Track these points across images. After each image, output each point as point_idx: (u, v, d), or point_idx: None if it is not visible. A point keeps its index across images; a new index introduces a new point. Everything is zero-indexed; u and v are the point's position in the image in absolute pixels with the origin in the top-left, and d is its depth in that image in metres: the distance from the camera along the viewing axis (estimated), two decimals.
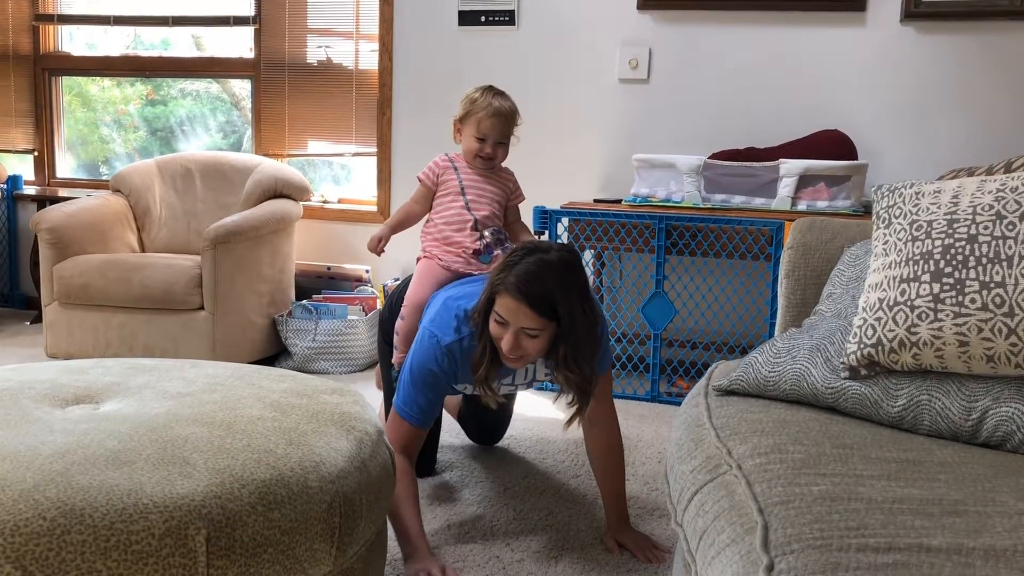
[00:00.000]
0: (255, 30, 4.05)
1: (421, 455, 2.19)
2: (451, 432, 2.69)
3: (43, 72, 4.39)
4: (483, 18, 3.69)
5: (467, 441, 2.69)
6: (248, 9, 4.06)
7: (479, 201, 2.36)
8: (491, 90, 2.38)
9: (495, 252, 2.30)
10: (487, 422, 2.62)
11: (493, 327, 1.82)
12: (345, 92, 3.99)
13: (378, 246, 2.43)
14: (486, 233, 2.32)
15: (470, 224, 2.32)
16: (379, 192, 3.94)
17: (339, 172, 4.25)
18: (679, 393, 3.26)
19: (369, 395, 3.10)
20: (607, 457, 2.09)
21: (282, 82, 4.05)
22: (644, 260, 3.39)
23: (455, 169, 2.39)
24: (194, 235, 3.79)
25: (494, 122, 2.33)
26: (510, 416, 2.67)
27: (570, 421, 1.96)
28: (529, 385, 2.15)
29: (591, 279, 3.28)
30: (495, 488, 2.34)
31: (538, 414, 3.00)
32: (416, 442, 2.00)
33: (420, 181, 2.41)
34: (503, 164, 2.45)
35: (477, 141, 2.34)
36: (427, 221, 2.43)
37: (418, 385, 1.95)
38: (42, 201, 4.25)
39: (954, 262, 1.40)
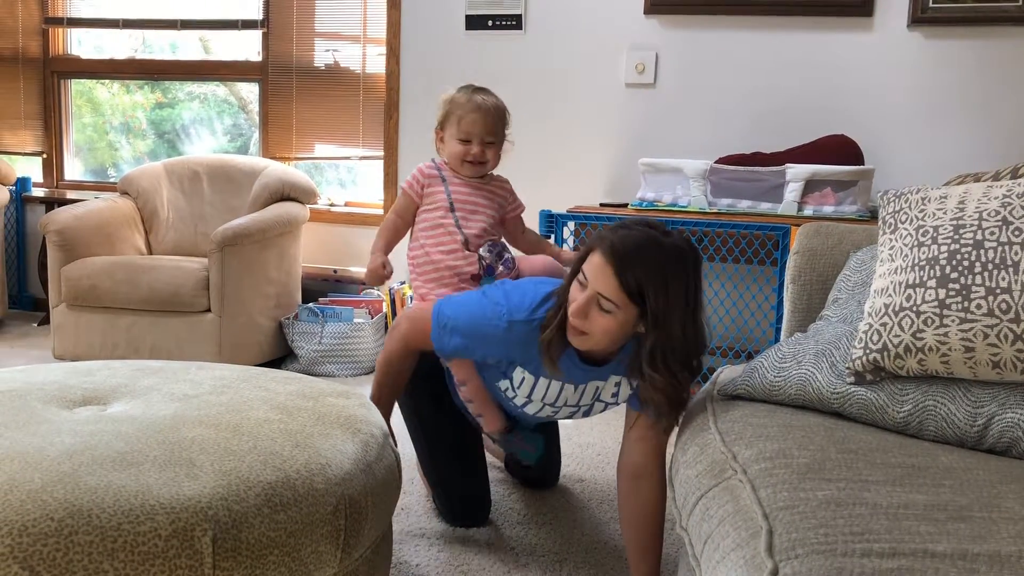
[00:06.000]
0: (263, 33, 4.07)
1: (472, 504, 2.13)
2: None
3: (52, 75, 4.42)
4: (490, 22, 3.70)
5: None
6: (256, 13, 4.07)
7: (471, 218, 2.10)
8: (470, 87, 2.14)
9: (498, 270, 2.08)
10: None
11: (573, 288, 1.61)
12: (352, 96, 4.00)
13: (383, 272, 2.09)
14: (482, 252, 2.08)
15: (461, 243, 2.08)
16: (386, 195, 3.95)
17: (345, 175, 4.26)
18: None
19: None
20: (646, 523, 1.71)
21: (289, 85, 4.07)
22: None
23: (443, 180, 2.12)
24: (201, 237, 3.80)
25: (477, 117, 2.07)
26: (559, 459, 2.42)
27: (665, 432, 1.69)
28: (590, 408, 1.91)
29: None
30: (499, 491, 2.34)
31: None
32: (424, 347, 1.85)
33: (403, 192, 2.15)
34: (495, 172, 2.21)
35: (461, 143, 2.09)
36: (412, 239, 2.16)
37: (463, 327, 1.77)
38: (50, 203, 4.27)
39: (960, 267, 1.40)
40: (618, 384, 1.84)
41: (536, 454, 2.09)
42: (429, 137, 3.78)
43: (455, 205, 2.11)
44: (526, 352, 1.75)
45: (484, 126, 2.08)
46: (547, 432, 2.33)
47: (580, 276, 1.59)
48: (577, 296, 1.59)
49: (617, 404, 1.91)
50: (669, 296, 1.53)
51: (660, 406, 1.63)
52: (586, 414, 1.94)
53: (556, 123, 3.64)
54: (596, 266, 1.55)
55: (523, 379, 1.85)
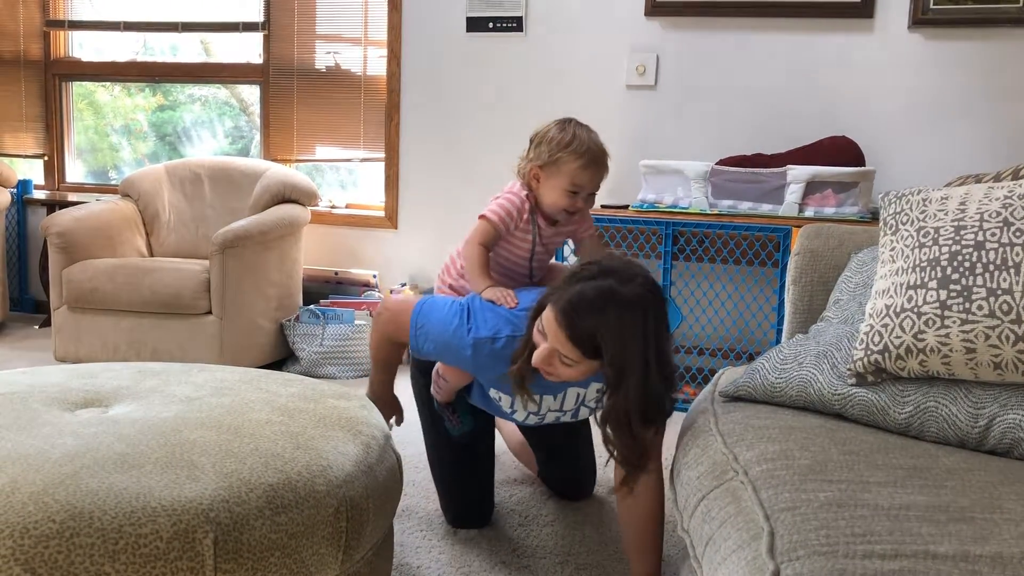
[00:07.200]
0: (264, 36, 4.07)
1: (473, 506, 2.12)
2: None
3: (53, 77, 4.42)
4: (491, 24, 3.70)
5: None
6: (257, 15, 4.08)
7: (543, 262, 2.05)
8: (579, 126, 1.94)
9: None
10: (566, 472, 2.30)
11: (535, 333, 1.60)
12: (353, 98, 4.00)
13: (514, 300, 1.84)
14: None
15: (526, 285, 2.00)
16: (387, 197, 3.95)
17: (346, 177, 4.27)
18: (686, 399, 3.26)
19: None
20: (644, 523, 1.70)
21: (291, 88, 4.07)
22: (651, 266, 3.38)
23: (534, 224, 1.98)
24: (203, 240, 3.80)
25: (593, 172, 1.89)
26: (594, 469, 2.35)
27: (621, 486, 1.66)
28: (576, 413, 1.91)
29: None
30: (501, 493, 2.34)
31: None
32: (402, 341, 1.92)
33: (491, 223, 1.96)
34: None
35: (568, 195, 1.91)
36: (456, 263, 2.07)
37: (434, 335, 1.78)
38: (52, 205, 4.27)
39: (961, 269, 1.40)
40: (600, 390, 1.83)
41: (458, 429, 2.08)
42: (430, 139, 3.83)
43: (536, 254, 2.03)
44: (493, 373, 1.76)
45: (597, 181, 1.94)
46: (578, 440, 2.30)
47: (539, 325, 1.58)
48: (540, 342, 1.58)
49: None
50: (626, 352, 1.48)
51: (618, 462, 1.61)
52: (574, 417, 1.94)
53: None
54: (551, 325, 1.53)
55: (500, 397, 1.88)
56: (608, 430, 1.57)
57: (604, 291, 1.49)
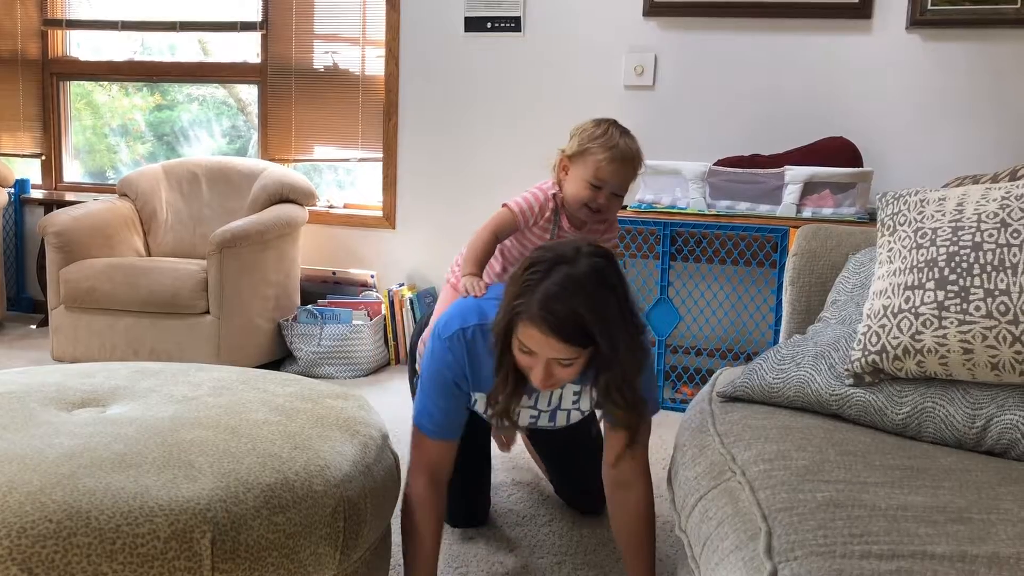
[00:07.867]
0: (262, 35, 4.07)
1: (469, 505, 2.08)
2: None
3: (51, 77, 4.42)
4: (489, 24, 3.70)
5: None
6: (255, 14, 4.07)
7: None
8: (616, 126, 1.97)
9: None
10: (576, 485, 2.24)
11: (519, 355, 1.54)
12: (351, 98, 4.00)
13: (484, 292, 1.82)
14: None
15: None
16: (384, 197, 3.95)
17: (344, 177, 4.26)
18: (683, 400, 3.26)
19: (374, 399, 3.10)
20: (636, 525, 1.70)
21: (288, 87, 4.07)
22: (649, 266, 3.39)
23: (555, 224, 1.96)
24: (200, 239, 3.80)
25: (617, 168, 1.90)
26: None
27: (618, 459, 1.67)
28: (553, 416, 1.83)
29: None
30: (499, 493, 2.34)
31: None
32: (441, 458, 1.70)
33: (511, 213, 1.97)
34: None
35: (590, 188, 1.91)
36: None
37: (426, 390, 1.70)
38: (49, 205, 4.27)
39: (959, 270, 1.41)
40: (577, 393, 1.78)
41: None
42: (428, 139, 3.83)
43: None
44: (474, 371, 1.69)
45: (621, 179, 1.94)
46: (582, 452, 2.21)
47: (521, 345, 1.52)
48: (531, 364, 1.53)
49: (582, 413, 1.84)
50: (610, 322, 1.47)
51: (621, 428, 1.64)
52: (551, 419, 1.85)
53: (555, 125, 3.64)
54: (536, 339, 1.48)
55: (476, 399, 1.78)
56: (611, 402, 1.57)
57: (564, 281, 1.46)
